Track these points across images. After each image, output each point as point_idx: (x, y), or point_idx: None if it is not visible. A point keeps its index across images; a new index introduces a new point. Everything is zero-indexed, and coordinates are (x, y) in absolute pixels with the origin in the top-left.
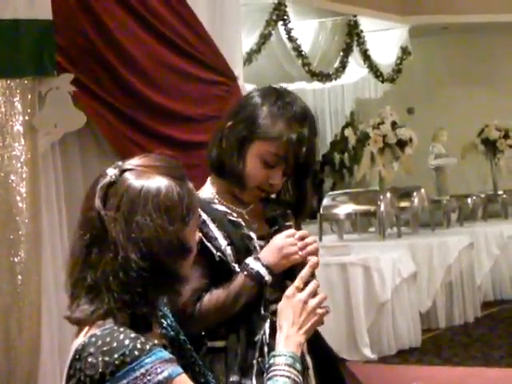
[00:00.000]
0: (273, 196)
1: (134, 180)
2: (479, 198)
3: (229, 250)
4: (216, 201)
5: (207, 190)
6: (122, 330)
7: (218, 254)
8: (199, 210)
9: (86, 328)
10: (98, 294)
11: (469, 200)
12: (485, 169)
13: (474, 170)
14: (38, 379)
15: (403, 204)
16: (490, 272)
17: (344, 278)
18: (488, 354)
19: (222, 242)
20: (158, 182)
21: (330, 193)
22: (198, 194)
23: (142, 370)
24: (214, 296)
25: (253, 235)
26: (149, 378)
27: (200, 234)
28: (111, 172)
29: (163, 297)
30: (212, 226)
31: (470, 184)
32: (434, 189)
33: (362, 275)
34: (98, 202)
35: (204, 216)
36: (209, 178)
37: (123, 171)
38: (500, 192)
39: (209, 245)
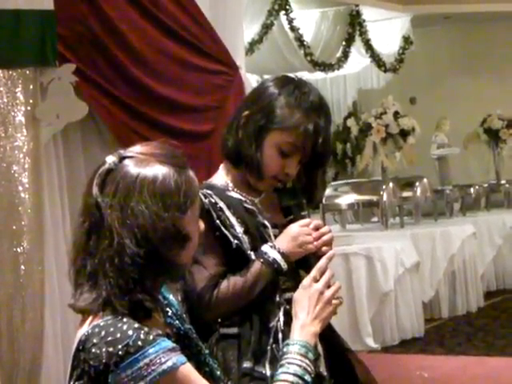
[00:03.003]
0: (288, 185)
1: (131, 167)
2: (482, 188)
3: (245, 238)
4: (230, 188)
5: (220, 178)
6: (125, 320)
7: (236, 241)
8: (216, 197)
9: (90, 318)
10: (97, 281)
11: (471, 190)
12: (487, 158)
13: (476, 159)
14: (42, 369)
15: (406, 194)
16: (492, 262)
17: (347, 269)
18: (491, 344)
19: (239, 230)
20: (156, 170)
21: (333, 183)
22: (211, 182)
23: (146, 360)
24: (231, 283)
25: (267, 224)
26: (153, 367)
27: (202, 224)
28: (110, 159)
29: (161, 283)
30: (228, 214)
31: (472, 174)
32: (437, 179)
33: (365, 265)
34: (95, 189)
35: (220, 203)
36: (221, 166)
37: (122, 158)
38: (503, 181)
39: (226, 232)
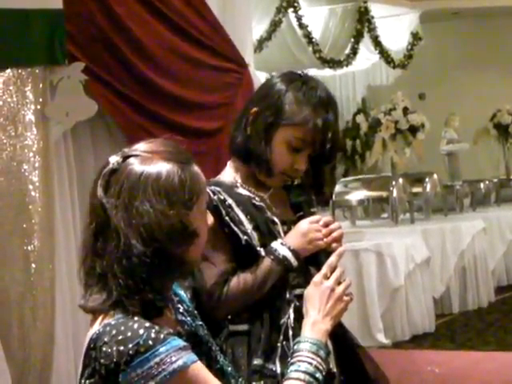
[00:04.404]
0: (297, 182)
1: (135, 166)
2: (492, 183)
3: (254, 234)
4: (238, 185)
5: (229, 175)
6: (136, 319)
7: (245, 237)
8: (224, 193)
9: (100, 317)
10: (107, 282)
11: (481, 185)
12: (497, 154)
13: (486, 154)
14: (53, 367)
15: (416, 190)
16: (503, 257)
17: (357, 264)
18: (502, 339)
19: (248, 226)
20: (159, 167)
21: (342, 179)
22: (219, 179)
23: (157, 360)
24: (241, 280)
25: (276, 220)
26: (163, 367)
27: (211, 219)
28: (114, 159)
29: (171, 281)
30: (237, 210)
31: (482, 169)
32: (447, 174)
33: (375, 261)
34: (99, 191)
35: (229, 200)
36: (229, 163)
37: (126, 157)
38: None
39: (236, 229)
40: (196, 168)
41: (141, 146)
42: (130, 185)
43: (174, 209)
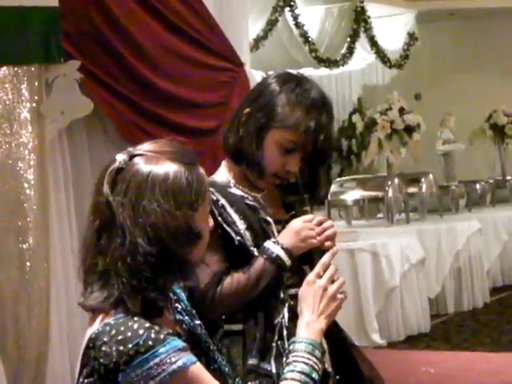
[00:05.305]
0: (290, 181)
1: (142, 165)
2: (487, 184)
3: (248, 234)
4: (232, 185)
5: (222, 175)
6: (136, 319)
7: (238, 238)
8: (217, 194)
9: (100, 316)
10: (109, 280)
11: (477, 186)
12: (493, 154)
13: (482, 155)
14: (48, 365)
15: (411, 190)
16: (498, 257)
17: (352, 264)
18: (497, 340)
19: (241, 226)
20: (167, 168)
21: (338, 179)
22: (213, 179)
23: (156, 360)
24: (234, 279)
25: (270, 220)
26: (163, 367)
27: (212, 221)
28: (120, 157)
29: (173, 282)
30: (230, 210)
31: (478, 170)
32: (442, 174)
33: (371, 261)
34: (106, 188)
35: (222, 200)
36: (223, 163)
37: (132, 156)
38: (508, 177)
39: (228, 229)
40: (201, 170)
41: (146, 146)
42: (138, 184)
43: (180, 210)
